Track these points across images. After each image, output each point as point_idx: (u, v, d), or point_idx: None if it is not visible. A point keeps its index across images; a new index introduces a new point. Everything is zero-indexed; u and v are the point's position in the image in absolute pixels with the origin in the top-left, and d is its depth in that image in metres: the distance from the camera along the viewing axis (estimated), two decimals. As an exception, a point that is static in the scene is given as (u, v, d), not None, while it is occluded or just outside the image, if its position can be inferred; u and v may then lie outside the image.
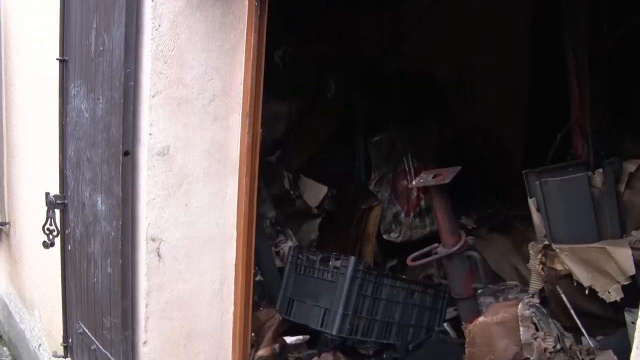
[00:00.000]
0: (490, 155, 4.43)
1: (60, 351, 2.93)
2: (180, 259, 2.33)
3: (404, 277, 3.29)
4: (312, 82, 3.89)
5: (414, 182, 3.34)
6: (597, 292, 2.36)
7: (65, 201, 2.75)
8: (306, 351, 2.96)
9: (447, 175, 2.82)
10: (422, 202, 4.00)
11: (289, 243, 3.44)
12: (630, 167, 2.60)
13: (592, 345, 2.39)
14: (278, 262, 3.31)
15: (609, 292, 2.31)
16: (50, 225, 2.76)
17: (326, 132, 3.96)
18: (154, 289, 2.27)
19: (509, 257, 3.58)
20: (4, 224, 4.17)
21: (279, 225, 3.55)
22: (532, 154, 3.78)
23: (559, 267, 2.55)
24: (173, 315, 2.35)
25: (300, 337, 2.94)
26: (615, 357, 2.20)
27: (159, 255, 2.26)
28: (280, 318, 2.97)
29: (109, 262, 2.34)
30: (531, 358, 2.37)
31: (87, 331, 2.63)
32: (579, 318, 2.46)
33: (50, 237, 2.76)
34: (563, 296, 2.52)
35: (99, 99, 2.36)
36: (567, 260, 2.49)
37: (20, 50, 3.76)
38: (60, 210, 2.78)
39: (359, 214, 3.83)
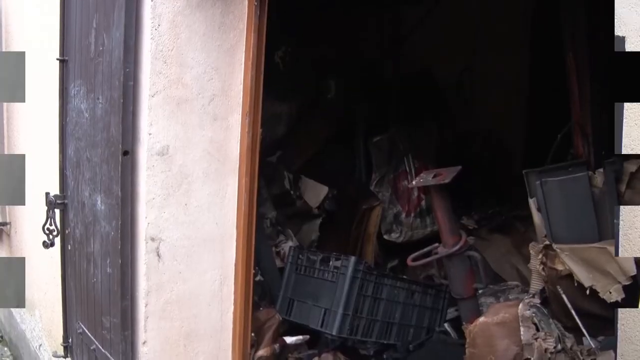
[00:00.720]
0: (490, 155, 4.43)
1: (61, 351, 2.93)
2: (179, 258, 2.33)
3: (404, 277, 3.29)
4: (312, 83, 3.89)
5: (414, 182, 3.34)
6: (598, 292, 2.35)
7: (65, 201, 2.75)
8: (306, 351, 2.96)
9: (447, 175, 2.82)
10: (423, 203, 4.00)
11: (290, 243, 3.43)
12: (631, 167, 2.58)
13: (593, 346, 2.38)
14: (278, 262, 3.30)
15: (610, 293, 2.29)
16: (50, 225, 2.75)
17: (326, 133, 3.97)
18: (153, 289, 2.27)
19: (509, 257, 3.57)
20: (4, 224, 4.18)
21: (280, 226, 3.55)
22: (533, 154, 3.77)
23: (559, 267, 2.54)
24: (173, 315, 2.35)
25: (301, 337, 2.94)
26: (616, 358, 2.19)
27: (158, 255, 2.26)
28: (281, 318, 2.97)
29: (108, 262, 2.34)
30: (532, 358, 2.37)
31: (86, 331, 2.63)
32: (579, 318, 2.45)
33: (50, 237, 2.76)
34: (564, 296, 2.51)
35: (98, 98, 2.36)
36: (568, 261, 2.48)
37: (21, 50, 3.76)
38: (60, 210, 2.78)
39: (360, 214, 3.83)
